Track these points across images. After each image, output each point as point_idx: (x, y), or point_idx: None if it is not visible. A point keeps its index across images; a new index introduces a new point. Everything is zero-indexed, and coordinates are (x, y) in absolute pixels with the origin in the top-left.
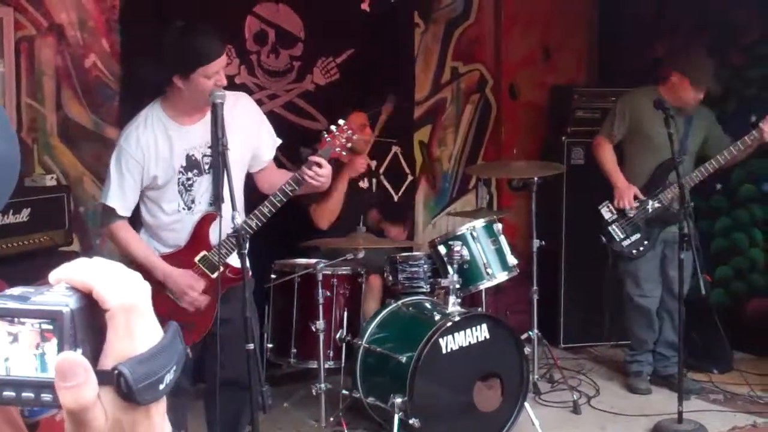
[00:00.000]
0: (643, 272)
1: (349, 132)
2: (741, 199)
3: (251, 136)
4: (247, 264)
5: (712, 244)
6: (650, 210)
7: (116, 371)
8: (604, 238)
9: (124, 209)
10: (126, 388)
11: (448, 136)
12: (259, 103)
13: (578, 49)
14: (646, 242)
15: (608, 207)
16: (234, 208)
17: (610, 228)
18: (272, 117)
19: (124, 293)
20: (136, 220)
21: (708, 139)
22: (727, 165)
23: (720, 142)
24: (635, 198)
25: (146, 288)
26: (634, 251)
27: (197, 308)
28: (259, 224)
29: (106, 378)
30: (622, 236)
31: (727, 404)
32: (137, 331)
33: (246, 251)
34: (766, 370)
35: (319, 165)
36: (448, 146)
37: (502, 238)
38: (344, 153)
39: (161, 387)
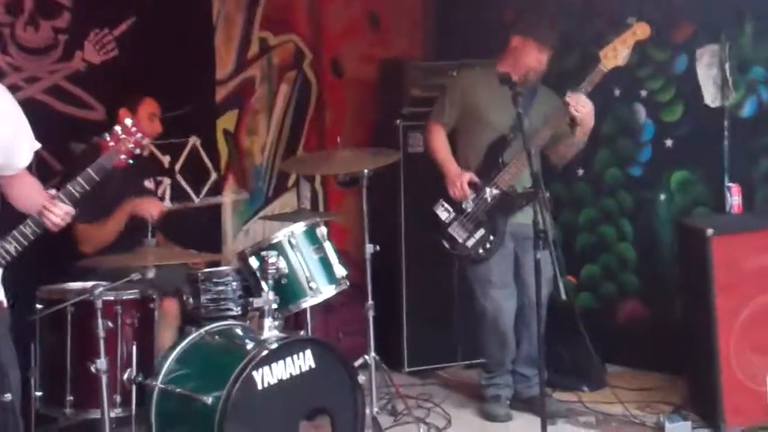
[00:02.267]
0: (495, 276)
1: (139, 135)
2: (607, 186)
3: (5, 137)
4: (1, 293)
5: (577, 240)
6: (489, 199)
7: None
8: (447, 244)
9: None
10: None
11: (260, 123)
12: (15, 88)
13: (412, 15)
14: (492, 237)
15: (443, 206)
16: None
17: (450, 230)
18: (33, 105)
19: None
20: None
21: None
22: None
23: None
24: (470, 185)
25: None
26: (481, 250)
27: None
28: (20, 249)
29: None
30: (464, 236)
31: (599, 427)
32: None
33: None
34: (641, 385)
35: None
36: (260, 135)
37: (328, 245)
38: (131, 161)
39: None
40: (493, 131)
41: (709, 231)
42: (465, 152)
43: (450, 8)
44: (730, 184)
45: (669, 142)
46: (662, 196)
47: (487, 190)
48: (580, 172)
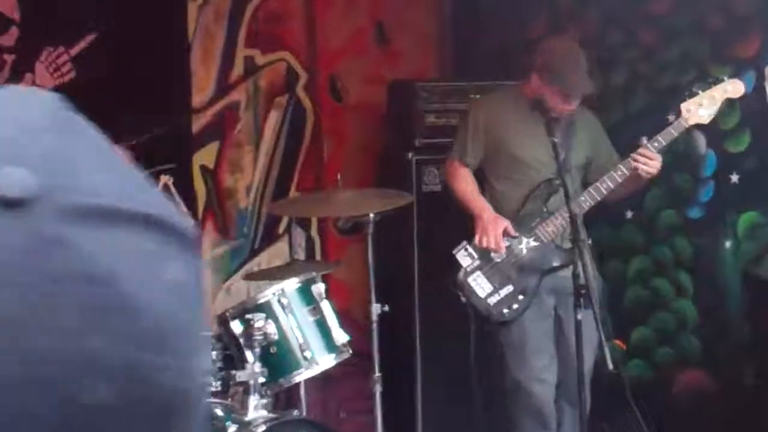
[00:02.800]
0: (531, 342)
1: None
2: (661, 231)
3: None
4: None
5: (626, 295)
6: (524, 251)
7: None
8: (462, 295)
9: None
10: None
11: (245, 158)
12: None
13: (425, 28)
14: (521, 297)
15: (467, 250)
16: None
17: (469, 279)
18: None
19: None
20: None
21: (593, 154)
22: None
23: (606, 160)
24: (505, 235)
25: None
26: (505, 311)
27: None
28: None
29: None
30: (487, 290)
31: None
32: None
33: None
34: None
35: None
36: (244, 172)
37: (326, 305)
38: None
39: None
40: (528, 169)
41: None
42: (493, 192)
43: (468, 20)
44: None
45: (735, 178)
46: (727, 243)
47: (524, 240)
48: (629, 214)
